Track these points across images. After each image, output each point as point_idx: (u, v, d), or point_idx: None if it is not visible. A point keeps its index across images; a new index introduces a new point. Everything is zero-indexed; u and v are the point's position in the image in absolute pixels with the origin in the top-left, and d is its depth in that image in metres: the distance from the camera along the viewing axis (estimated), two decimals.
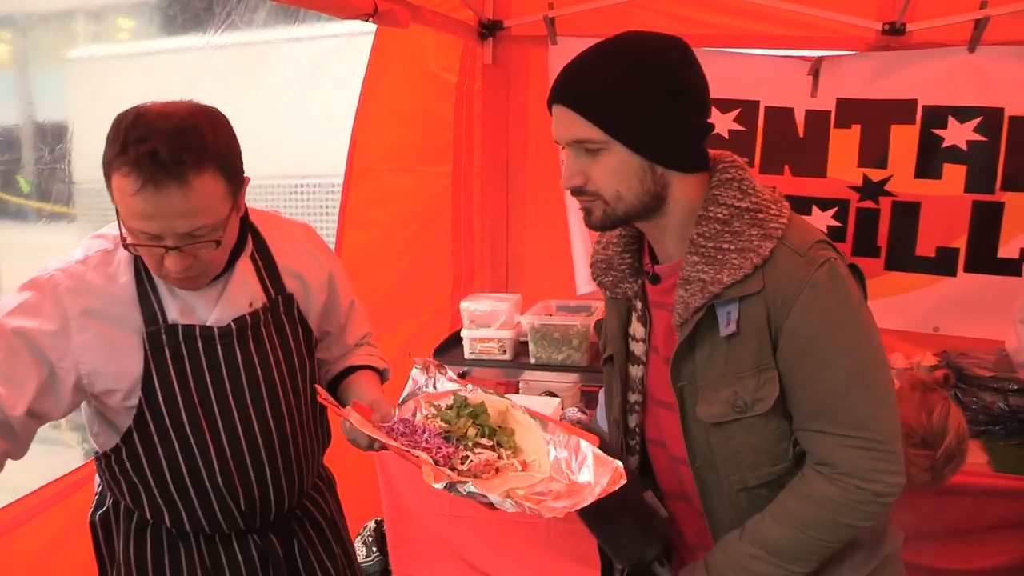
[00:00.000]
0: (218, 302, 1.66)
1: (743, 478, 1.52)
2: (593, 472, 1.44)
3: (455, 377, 1.73)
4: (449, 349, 3.31)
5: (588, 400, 3.06)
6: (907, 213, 3.33)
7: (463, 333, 3.20)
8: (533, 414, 1.58)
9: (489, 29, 3.77)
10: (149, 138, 1.41)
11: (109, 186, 1.47)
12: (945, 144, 3.22)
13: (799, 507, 1.47)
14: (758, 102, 3.48)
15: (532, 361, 3.12)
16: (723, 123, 3.48)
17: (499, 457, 1.51)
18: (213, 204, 1.49)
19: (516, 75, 3.86)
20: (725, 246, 1.45)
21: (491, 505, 1.35)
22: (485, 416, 1.58)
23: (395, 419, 1.61)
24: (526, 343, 3.17)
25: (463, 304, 3.20)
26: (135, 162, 1.40)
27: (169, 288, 1.62)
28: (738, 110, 3.48)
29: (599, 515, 1.56)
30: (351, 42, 3.29)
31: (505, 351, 3.17)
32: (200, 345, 1.64)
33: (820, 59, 3.37)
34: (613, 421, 1.74)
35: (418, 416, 1.63)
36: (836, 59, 3.38)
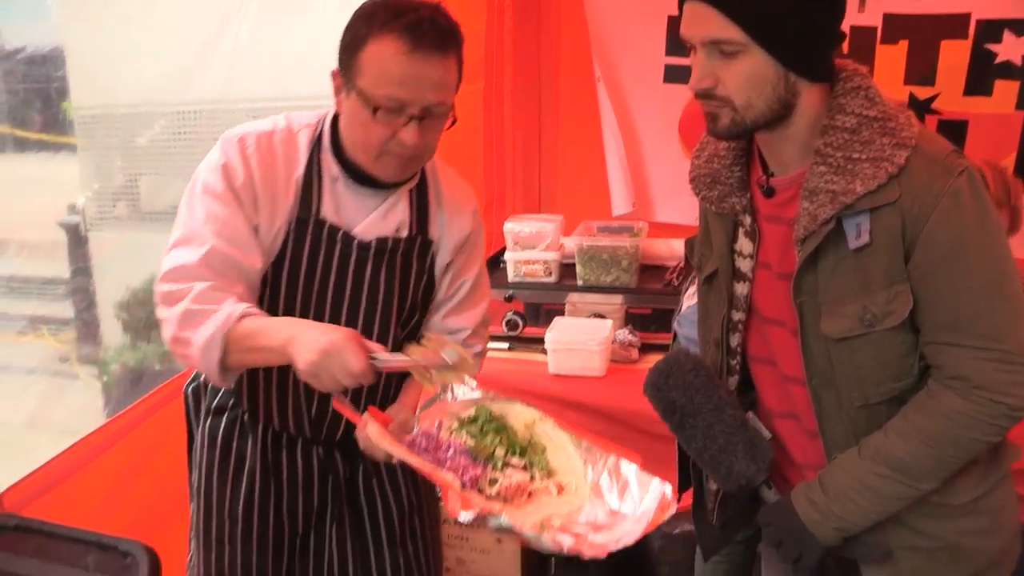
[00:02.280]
0: (371, 215, 1.70)
1: (865, 394, 1.49)
2: (638, 499, 1.34)
3: (474, 385, 1.62)
4: (490, 272, 3.24)
5: (635, 322, 3.02)
6: (954, 131, 3.25)
7: (507, 256, 3.14)
8: (564, 428, 1.49)
9: None
10: (421, 9, 1.52)
11: (353, 62, 1.54)
12: (998, 59, 3.15)
13: (928, 422, 1.45)
14: None
15: (579, 283, 3.07)
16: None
17: (531, 479, 1.41)
18: (453, 84, 1.59)
19: None
20: (856, 155, 1.40)
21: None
22: (513, 432, 1.48)
23: (416, 432, 1.52)
24: (570, 265, 3.12)
25: (507, 225, 3.14)
26: (413, 25, 1.49)
27: (332, 186, 1.67)
28: None
29: (707, 438, 1.54)
30: None
31: (551, 273, 3.12)
32: (338, 248, 1.68)
33: None
34: (712, 341, 1.70)
35: (441, 431, 1.52)
36: None
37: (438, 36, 1.51)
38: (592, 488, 1.37)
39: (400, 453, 1.43)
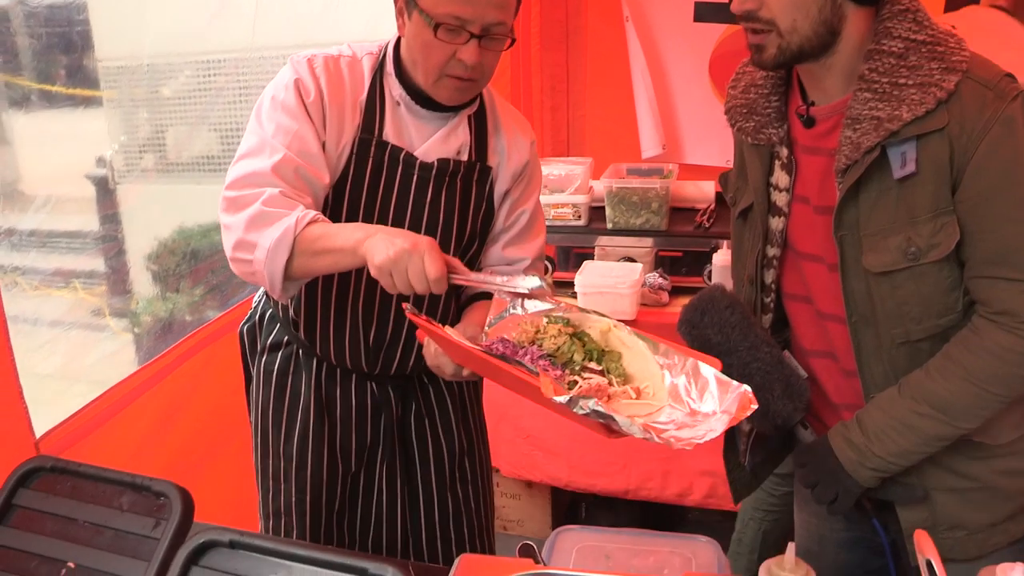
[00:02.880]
0: (432, 138, 1.70)
1: (907, 331, 1.45)
2: (718, 398, 1.30)
3: (547, 296, 1.54)
4: None
5: (665, 265, 2.99)
6: None
7: None
8: (641, 334, 1.43)
9: None
10: None
11: None
12: None
13: (974, 360, 1.40)
14: None
15: (609, 226, 3.04)
16: None
17: (609, 383, 1.37)
18: (512, 5, 1.57)
19: None
20: (902, 81, 1.35)
21: (611, 429, 1.22)
22: (590, 339, 1.43)
23: (492, 340, 1.46)
24: (600, 208, 3.09)
25: None
26: None
27: (394, 110, 1.68)
28: None
29: (743, 377, 1.49)
30: None
31: (580, 216, 3.08)
32: (400, 168, 1.68)
33: None
34: (747, 278, 1.66)
35: (517, 338, 1.46)
36: None
37: None
38: (670, 392, 1.34)
39: (476, 350, 1.39)
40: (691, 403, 1.31)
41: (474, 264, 1.84)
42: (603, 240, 3.04)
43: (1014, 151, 1.34)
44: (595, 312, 1.46)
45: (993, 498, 1.52)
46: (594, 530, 1.61)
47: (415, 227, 1.70)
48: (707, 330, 1.53)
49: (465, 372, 1.52)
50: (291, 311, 1.79)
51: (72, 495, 1.20)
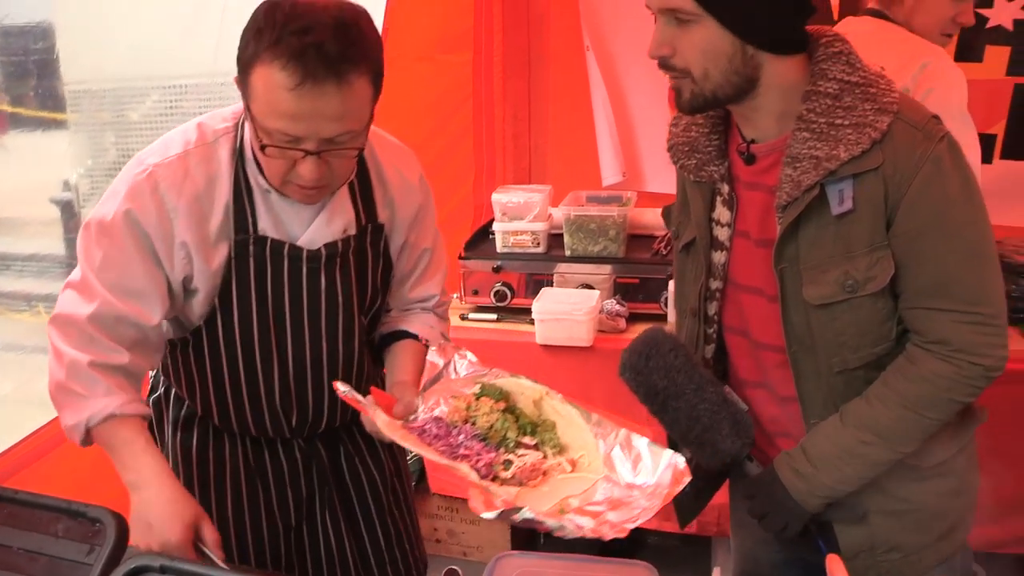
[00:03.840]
0: (313, 223, 1.58)
1: (844, 359, 1.50)
2: (651, 470, 1.33)
3: (475, 360, 1.58)
4: (479, 244, 3.25)
5: (624, 292, 3.02)
6: None
7: (495, 226, 3.13)
8: (573, 402, 1.46)
9: None
10: (313, 29, 1.30)
11: (246, 81, 1.37)
12: (989, 24, 3.13)
13: (911, 387, 1.46)
14: None
15: (567, 253, 3.07)
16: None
17: (544, 457, 1.38)
18: (362, 109, 1.40)
19: None
20: (839, 121, 1.40)
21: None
22: (522, 411, 1.46)
23: (425, 417, 1.48)
24: (559, 235, 3.12)
25: (495, 196, 3.13)
26: (298, 55, 1.29)
27: (264, 198, 1.55)
28: None
29: (690, 419, 1.51)
30: None
31: (539, 244, 3.11)
32: (286, 263, 1.58)
33: None
34: (689, 310, 1.70)
35: (449, 413, 1.48)
36: None
37: (327, 64, 1.30)
38: (606, 461, 1.36)
39: (414, 446, 1.40)
40: (626, 475, 1.34)
41: (379, 318, 1.79)
42: (562, 267, 3.07)
43: (943, 189, 1.39)
44: (525, 378, 1.50)
45: (926, 519, 1.58)
46: (535, 555, 1.62)
47: (314, 315, 1.63)
48: (652, 375, 1.52)
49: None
50: (198, 404, 1.73)
51: (7, 522, 1.20)
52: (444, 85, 3.48)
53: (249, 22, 1.36)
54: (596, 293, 2.91)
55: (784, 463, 1.55)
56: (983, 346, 1.43)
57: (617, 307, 2.93)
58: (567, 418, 1.44)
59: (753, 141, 1.53)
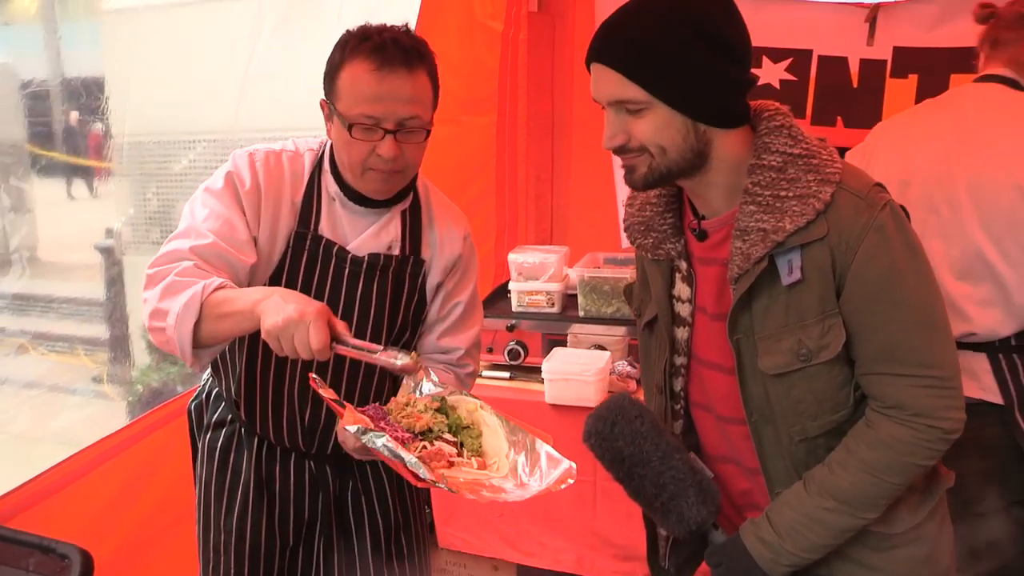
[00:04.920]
0: (364, 232, 1.79)
1: (804, 428, 1.50)
2: (545, 473, 1.42)
3: (437, 381, 1.66)
4: (496, 302, 3.30)
5: (636, 354, 3.03)
6: None
7: (511, 286, 3.18)
8: (500, 416, 1.54)
9: None
10: (388, 31, 1.65)
11: (334, 84, 1.66)
12: None
13: (869, 453, 1.46)
14: (811, 51, 3.39)
15: (581, 314, 3.10)
16: (774, 73, 3.38)
17: (458, 454, 1.47)
18: (426, 100, 1.67)
19: (562, 22, 3.80)
20: (783, 193, 1.42)
21: (418, 477, 1.33)
22: (455, 413, 1.55)
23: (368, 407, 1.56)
24: (574, 296, 3.15)
25: (511, 256, 3.18)
26: (378, 47, 1.61)
27: (329, 205, 1.78)
28: (790, 59, 3.38)
29: (657, 487, 1.52)
30: None
31: (553, 304, 3.15)
32: (333, 262, 1.77)
33: (877, 5, 3.28)
34: (655, 386, 1.70)
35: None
36: (894, 5, 3.28)
37: (402, 53, 1.61)
38: (511, 467, 1.47)
39: (351, 413, 1.45)
40: (523, 477, 1.45)
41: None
42: (576, 327, 3.10)
43: (889, 256, 1.41)
44: (472, 396, 1.60)
45: None
46: None
47: (347, 317, 1.77)
48: (618, 442, 1.52)
49: (368, 451, 1.52)
50: (232, 391, 1.85)
51: None
52: (470, 146, 3.57)
53: (334, 49, 1.67)
54: (607, 354, 2.93)
55: (749, 531, 1.54)
56: (940, 408, 1.43)
57: (628, 368, 2.95)
58: (492, 428, 1.54)
59: (703, 217, 1.55)
